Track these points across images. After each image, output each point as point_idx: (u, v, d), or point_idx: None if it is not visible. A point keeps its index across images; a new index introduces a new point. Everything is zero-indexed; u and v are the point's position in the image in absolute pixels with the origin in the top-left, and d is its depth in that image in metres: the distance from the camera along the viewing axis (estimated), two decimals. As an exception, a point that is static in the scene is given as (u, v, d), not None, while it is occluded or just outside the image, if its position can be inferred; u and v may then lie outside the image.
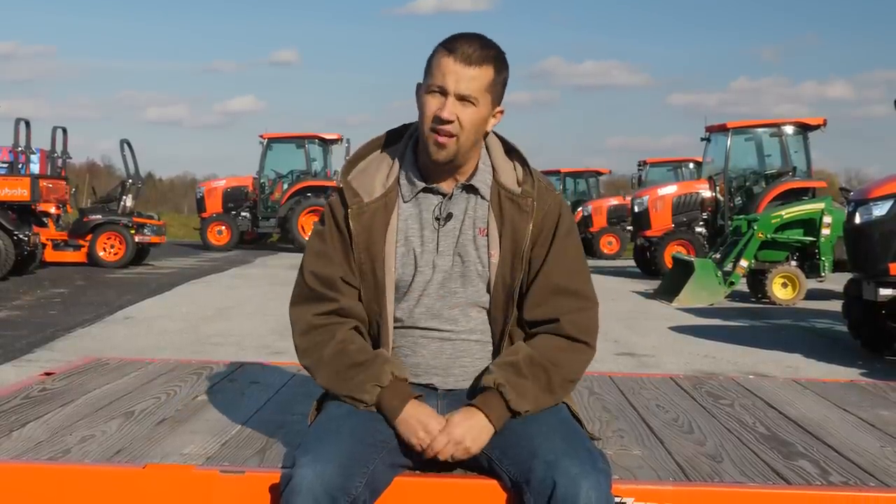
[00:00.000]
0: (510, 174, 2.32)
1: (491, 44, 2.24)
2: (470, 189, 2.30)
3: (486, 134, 2.30)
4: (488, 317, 2.31)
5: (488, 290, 2.29)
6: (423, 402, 2.21)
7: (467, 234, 2.29)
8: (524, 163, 2.34)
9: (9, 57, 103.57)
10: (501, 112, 2.30)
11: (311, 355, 2.28)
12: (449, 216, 2.30)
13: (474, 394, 2.28)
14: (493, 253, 2.27)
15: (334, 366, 2.24)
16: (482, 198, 2.30)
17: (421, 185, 2.30)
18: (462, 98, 2.19)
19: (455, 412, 2.18)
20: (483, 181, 2.30)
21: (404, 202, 2.30)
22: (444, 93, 2.19)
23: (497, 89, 2.24)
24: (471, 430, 2.14)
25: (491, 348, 2.32)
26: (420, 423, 2.15)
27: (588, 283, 2.33)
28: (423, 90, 2.23)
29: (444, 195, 2.30)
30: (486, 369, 2.25)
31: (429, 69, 2.22)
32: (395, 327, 2.31)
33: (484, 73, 2.20)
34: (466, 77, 2.18)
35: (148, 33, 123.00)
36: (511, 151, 2.36)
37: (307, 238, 2.47)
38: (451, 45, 2.20)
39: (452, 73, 2.17)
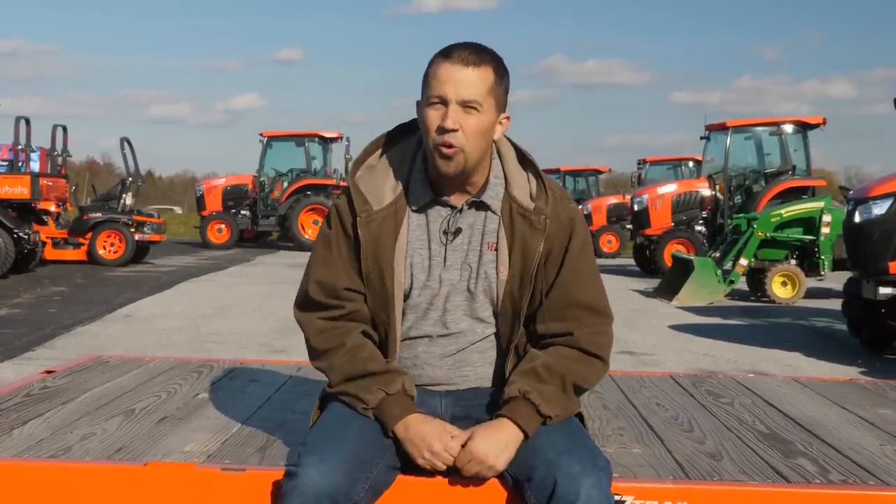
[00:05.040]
0: (523, 187, 2.24)
1: (487, 48, 2.19)
2: (480, 206, 2.25)
3: (493, 143, 2.25)
4: (495, 331, 2.28)
5: (495, 306, 2.25)
6: (426, 415, 2.17)
7: (475, 248, 2.24)
8: (538, 175, 2.26)
9: (13, 55, 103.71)
10: (507, 118, 2.24)
11: (323, 359, 2.25)
12: (458, 231, 2.24)
13: (479, 395, 2.29)
14: (501, 269, 2.23)
15: (346, 372, 2.20)
16: (492, 212, 2.24)
17: (430, 196, 2.24)
18: (464, 104, 2.13)
19: (479, 426, 2.14)
20: (494, 196, 2.24)
21: (413, 212, 2.24)
22: (444, 102, 2.13)
23: (499, 94, 2.18)
24: (495, 446, 2.08)
25: (495, 361, 2.30)
26: (424, 441, 2.10)
27: (602, 296, 2.28)
28: (423, 104, 2.18)
29: (452, 208, 2.25)
30: (508, 380, 2.20)
31: (426, 81, 2.16)
32: (400, 339, 2.28)
33: (484, 76, 2.14)
34: (466, 81, 2.12)
35: (151, 31, 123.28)
36: (525, 162, 2.28)
37: (310, 237, 2.44)
38: (447, 51, 2.16)
39: (451, 79, 2.12)
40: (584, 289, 2.25)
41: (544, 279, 2.23)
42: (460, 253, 2.25)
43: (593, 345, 2.23)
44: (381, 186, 2.24)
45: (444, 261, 2.24)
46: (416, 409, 2.17)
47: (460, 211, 2.24)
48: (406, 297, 2.25)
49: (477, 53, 2.15)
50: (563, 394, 2.18)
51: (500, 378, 2.28)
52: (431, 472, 2.14)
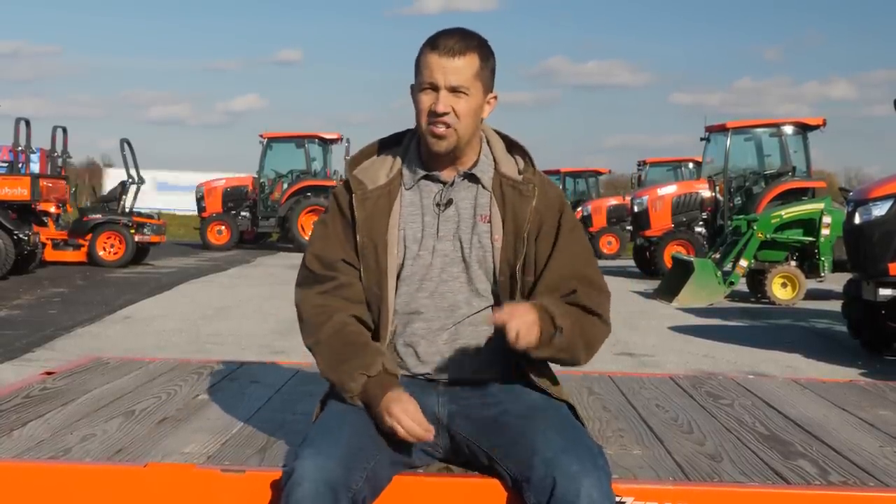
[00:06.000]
0: (512, 166, 2.37)
1: (472, 34, 2.32)
2: (471, 178, 2.35)
3: (482, 121, 2.35)
4: (490, 305, 2.32)
5: (493, 277, 2.32)
6: (407, 392, 2.21)
7: (467, 220, 2.33)
8: (525, 154, 2.39)
9: (14, 56, 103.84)
10: (495, 98, 2.36)
11: (312, 335, 2.32)
12: (449, 202, 2.34)
13: (475, 393, 2.30)
14: (496, 237, 2.31)
15: (331, 345, 2.28)
16: (483, 187, 2.34)
17: (422, 172, 2.35)
18: (453, 90, 2.25)
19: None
20: (485, 171, 2.35)
21: (406, 189, 2.35)
22: (435, 88, 2.27)
23: (486, 76, 2.31)
24: (528, 307, 2.17)
25: (491, 337, 2.32)
26: (387, 407, 2.14)
27: (599, 273, 2.37)
28: (416, 90, 2.31)
29: (444, 183, 2.35)
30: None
31: (417, 68, 2.31)
32: (395, 312, 2.33)
33: (469, 62, 2.27)
34: (453, 69, 2.25)
35: (151, 31, 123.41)
36: (513, 147, 2.41)
37: (311, 230, 2.52)
38: (434, 41, 2.28)
39: (440, 67, 2.25)
40: (581, 265, 2.33)
41: (538, 257, 2.31)
42: (452, 224, 2.33)
43: (595, 304, 2.30)
44: (377, 173, 2.37)
45: (437, 231, 2.33)
46: (396, 384, 2.21)
47: (452, 184, 2.34)
48: (400, 270, 2.32)
49: (462, 41, 2.27)
50: (577, 327, 2.24)
51: (494, 353, 2.31)
52: (432, 472, 2.15)
